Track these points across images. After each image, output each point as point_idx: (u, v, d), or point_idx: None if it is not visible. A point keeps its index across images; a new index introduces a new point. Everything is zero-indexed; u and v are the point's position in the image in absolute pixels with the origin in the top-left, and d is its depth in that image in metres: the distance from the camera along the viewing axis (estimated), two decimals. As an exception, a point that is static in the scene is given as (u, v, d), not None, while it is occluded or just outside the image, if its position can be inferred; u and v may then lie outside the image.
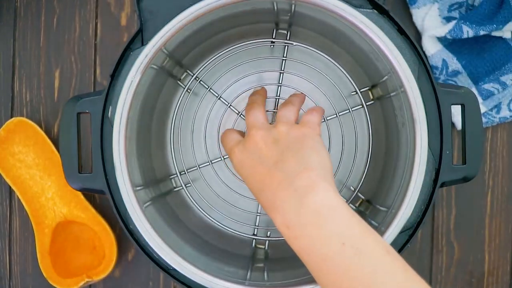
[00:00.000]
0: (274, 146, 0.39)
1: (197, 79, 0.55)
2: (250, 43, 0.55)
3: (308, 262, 0.35)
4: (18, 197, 0.56)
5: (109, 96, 0.43)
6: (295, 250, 0.36)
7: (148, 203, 0.46)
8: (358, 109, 0.55)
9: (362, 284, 0.32)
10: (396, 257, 0.34)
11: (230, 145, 0.43)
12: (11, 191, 0.58)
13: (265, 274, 0.48)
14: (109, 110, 0.43)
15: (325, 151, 0.39)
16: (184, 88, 0.55)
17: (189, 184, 0.55)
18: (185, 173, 0.55)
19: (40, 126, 0.56)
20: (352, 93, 0.55)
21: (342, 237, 0.33)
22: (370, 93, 0.54)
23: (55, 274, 0.53)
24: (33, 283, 0.58)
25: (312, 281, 0.41)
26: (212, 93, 0.55)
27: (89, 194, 0.57)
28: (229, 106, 0.55)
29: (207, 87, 0.55)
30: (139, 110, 0.46)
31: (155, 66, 0.45)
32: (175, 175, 0.55)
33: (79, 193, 0.54)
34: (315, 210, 0.34)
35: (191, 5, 0.42)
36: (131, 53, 0.43)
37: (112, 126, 0.42)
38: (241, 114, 0.55)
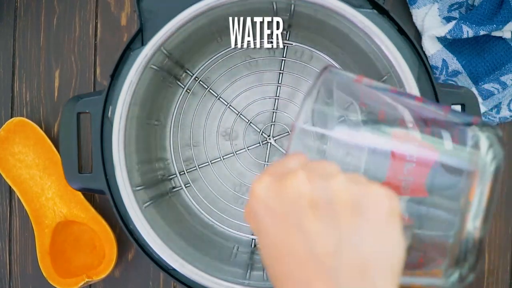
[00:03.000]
0: (325, 215, 0.24)
1: (196, 79, 0.55)
2: (249, 43, 0.55)
3: None
4: (18, 197, 0.56)
5: (109, 96, 0.43)
6: None
7: (148, 203, 0.46)
8: (358, 109, 0.55)
9: None
10: None
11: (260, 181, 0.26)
12: (11, 191, 0.58)
13: (264, 273, 0.48)
14: (109, 110, 0.43)
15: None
16: (183, 88, 0.55)
17: (189, 184, 0.55)
18: (184, 173, 0.55)
19: (40, 126, 0.56)
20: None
21: None
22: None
23: (55, 274, 0.53)
24: (33, 283, 0.58)
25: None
26: (212, 93, 0.55)
27: (89, 194, 0.57)
28: (228, 106, 0.55)
29: (206, 87, 0.55)
30: (138, 110, 0.46)
31: (154, 67, 0.45)
32: (175, 175, 0.55)
33: (79, 193, 0.54)
34: None
35: (191, 5, 0.42)
36: (131, 53, 0.43)
37: (112, 126, 0.42)
38: (240, 114, 0.55)
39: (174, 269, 0.42)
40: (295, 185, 0.24)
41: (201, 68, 0.55)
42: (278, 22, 0.52)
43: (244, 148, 0.55)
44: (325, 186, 0.24)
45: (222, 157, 0.55)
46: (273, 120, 0.55)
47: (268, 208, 0.24)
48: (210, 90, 0.55)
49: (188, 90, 0.55)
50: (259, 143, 0.55)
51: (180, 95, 0.55)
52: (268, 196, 0.24)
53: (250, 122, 0.55)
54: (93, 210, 0.54)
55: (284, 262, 0.24)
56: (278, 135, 0.55)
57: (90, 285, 0.58)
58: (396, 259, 0.24)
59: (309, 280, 0.23)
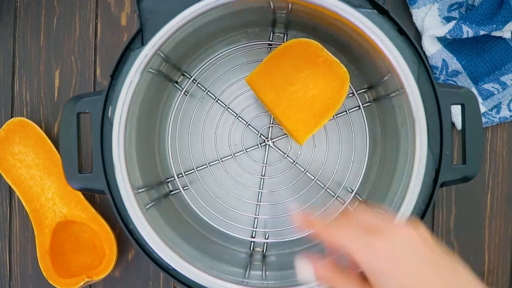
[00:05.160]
0: (435, 249, 0.34)
1: (194, 81, 0.55)
2: (247, 45, 0.55)
3: None
4: (18, 197, 0.56)
5: (109, 96, 0.43)
6: None
7: (148, 204, 0.46)
8: (355, 110, 0.55)
9: None
10: None
11: (358, 235, 0.33)
12: (11, 191, 0.58)
13: (263, 273, 0.48)
14: (109, 110, 0.43)
15: None
16: (181, 91, 0.55)
17: (187, 187, 0.55)
18: (182, 175, 0.55)
19: (40, 126, 0.56)
20: (349, 95, 0.55)
21: None
22: (366, 95, 0.55)
23: (55, 274, 0.53)
24: (33, 283, 0.58)
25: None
26: (210, 96, 0.55)
27: (89, 194, 0.57)
28: (226, 109, 0.55)
29: (204, 89, 0.55)
30: (138, 111, 0.46)
31: (152, 70, 0.45)
32: (173, 178, 0.55)
33: (79, 193, 0.54)
34: None
35: (191, 5, 0.42)
36: (131, 53, 0.43)
37: (112, 126, 0.42)
38: (238, 116, 0.55)
39: (174, 269, 0.42)
40: (410, 236, 0.33)
41: (199, 71, 0.55)
42: (275, 24, 0.52)
43: (243, 150, 0.55)
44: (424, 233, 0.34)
45: (221, 159, 0.55)
46: (271, 122, 0.55)
47: (395, 248, 0.33)
48: (208, 93, 0.55)
49: (186, 93, 0.55)
50: (258, 145, 0.55)
51: (178, 97, 0.55)
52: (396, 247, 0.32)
53: (248, 124, 0.55)
54: (93, 210, 0.54)
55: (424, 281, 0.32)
56: (276, 137, 0.55)
57: (90, 285, 0.58)
58: None
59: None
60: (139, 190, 0.45)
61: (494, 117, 0.55)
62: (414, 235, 0.33)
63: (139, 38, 0.43)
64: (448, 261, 0.33)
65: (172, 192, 0.54)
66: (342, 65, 0.50)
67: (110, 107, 0.43)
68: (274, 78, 0.50)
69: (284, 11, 0.48)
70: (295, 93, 0.50)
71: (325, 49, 0.50)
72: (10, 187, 0.57)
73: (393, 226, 0.34)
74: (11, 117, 0.57)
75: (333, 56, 0.50)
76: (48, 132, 0.57)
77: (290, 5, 0.45)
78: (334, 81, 0.50)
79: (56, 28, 0.58)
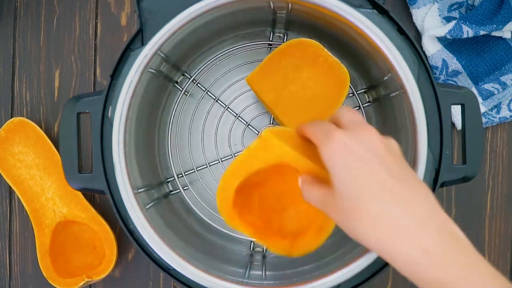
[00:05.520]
0: (392, 155, 0.32)
1: (194, 81, 0.55)
2: (247, 45, 0.55)
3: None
4: (18, 197, 0.56)
5: (109, 96, 0.43)
6: (431, 283, 0.29)
7: (148, 204, 0.46)
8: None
9: None
10: None
11: (327, 127, 0.33)
12: (11, 191, 0.58)
13: (263, 272, 0.48)
14: (109, 110, 0.43)
15: None
16: (181, 91, 0.55)
17: (187, 187, 0.55)
18: (182, 175, 0.55)
19: (40, 126, 0.56)
20: (350, 95, 0.55)
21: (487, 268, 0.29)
22: (365, 95, 0.55)
23: (55, 274, 0.53)
24: (33, 283, 0.58)
25: (310, 280, 0.41)
26: (210, 96, 0.55)
27: (89, 194, 0.57)
28: (226, 109, 0.55)
29: (204, 89, 0.55)
30: (138, 111, 0.46)
31: (152, 70, 0.45)
32: (173, 177, 0.55)
33: (79, 193, 0.54)
34: (458, 238, 0.30)
35: (191, 5, 0.42)
36: (131, 53, 0.43)
37: (112, 126, 0.42)
38: (238, 116, 0.55)
39: (174, 269, 0.42)
40: (373, 137, 0.32)
41: (199, 71, 0.55)
42: (275, 24, 0.52)
43: (243, 150, 0.55)
44: (383, 139, 0.33)
45: (221, 159, 0.55)
46: (271, 122, 0.55)
47: (353, 144, 0.31)
48: (208, 93, 0.55)
49: (186, 93, 0.55)
50: (258, 144, 0.55)
51: (178, 97, 0.55)
52: (352, 143, 0.32)
53: (248, 124, 0.55)
54: (93, 210, 0.54)
55: (369, 178, 0.31)
56: (278, 136, 0.55)
57: (90, 285, 0.58)
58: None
59: (401, 194, 0.30)
60: (139, 190, 0.45)
61: (494, 117, 0.55)
62: (377, 139, 0.32)
63: (139, 38, 0.44)
64: (406, 173, 0.32)
65: (172, 192, 0.54)
66: (342, 65, 0.50)
67: (110, 107, 0.43)
68: (275, 78, 0.50)
69: (284, 11, 0.48)
70: (295, 92, 0.50)
71: (325, 49, 0.50)
72: (10, 187, 0.57)
73: (362, 126, 0.33)
74: (11, 117, 0.57)
75: (333, 56, 0.50)
76: (48, 132, 0.57)
77: (290, 5, 0.45)
78: (334, 80, 0.50)
79: (56, 28, 0.58)
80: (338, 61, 0.50)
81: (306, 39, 0.50)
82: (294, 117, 0.50)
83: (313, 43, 0.50)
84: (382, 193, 0.30)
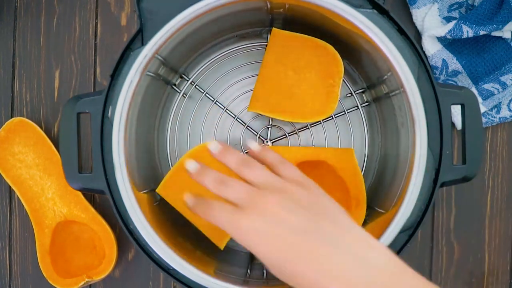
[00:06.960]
0: (299, 212, 0.34)
1: (192, 83, 0.55)
2: (245, 46, 0.55)
3: None
4: (18, 197, 0.56)
5: (109, 96, 0.43)
6: None
7: (148, 204, 0.46)
8: (353, 110, 0.55)
9: None
10: None
11: (225, 215, 0.35)
12: (11, 191, 0.58)
13: (264, 272, 0.48)
14: (109, 110, 0.43)
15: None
16: (179, 93, 0.55)
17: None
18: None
19: (40, 126, 0.56)
20: (348, 95, 0.55)
21: None
22: (364, 95, 0.55)
23: (55, 274, 0.53)
24: (33, 283, 0.58)
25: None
26: (208, 97, 0.55)
27: (89, 194, 0.57)
28: (225, 110, 0.55)
29: (202, 91, 0.55)
30: (138, 112, 0.46)
31: (150, 73, 0.45)
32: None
33: (79, 193, 0.54)
34: (385, 270, 0.32)
35: (191, 5, 0.42)
36: (131, 53, 0.43)
37: (112, 126, 0.42)
38: (237, 118, 0.55)
39: (174, 269, 0.42)
40: (280, 197, 0.35)
41: (197, 73, 0.55)
42: (273, 24, 0.52)
43: (242, 152, 0.55)
44: (287, 197, 0.35)
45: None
46: (270, 123, 0.55)
47: (256, 224, 0.34)
48: (207, 95, 0.55)
49: (184, 95, 0.55)
50: (257, 146, 0.55)
51: (177, 99, 0.55)
52: (256, 225, 0.34)
53: (247, 126, 0.55)
54: (93, 210, 0.54)
55: (282, 248, 0.33)
56: (275, 138, 0.55)
57: (90, 285, 0.58)
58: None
59: (314, 251, 0.33)
60: (139, 190, 0.45)
61: (494, 117, 0.55)
62: (275, 206, 0.34)
63: (139, 38, 0.43)
64: (319, 214, 0.34)
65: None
66: (323, 41, 0.50)
67: (110, 107, 0.43)
68: (273, 90, 0.51)
69: (281, 9, 0.48)
70: (296, 86, 0.51)
71: (299, 34, 0.50)
72: (10, 187, 0.57)
73: (260, 198, 0.35)
74: (11, 117, 0.57)
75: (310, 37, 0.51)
76: (48, 132, 0.57)
77: (286, 5, 0.45)
78: (326, 56, 0.50)
79: (56, 28, 0.58)
80: (316, 38, 0.50)
81: (276, 29, 0.51)
82: (306, 103, 0.51)
83: (285, 33, 0.51)
84: (297, 255, 0.33)
